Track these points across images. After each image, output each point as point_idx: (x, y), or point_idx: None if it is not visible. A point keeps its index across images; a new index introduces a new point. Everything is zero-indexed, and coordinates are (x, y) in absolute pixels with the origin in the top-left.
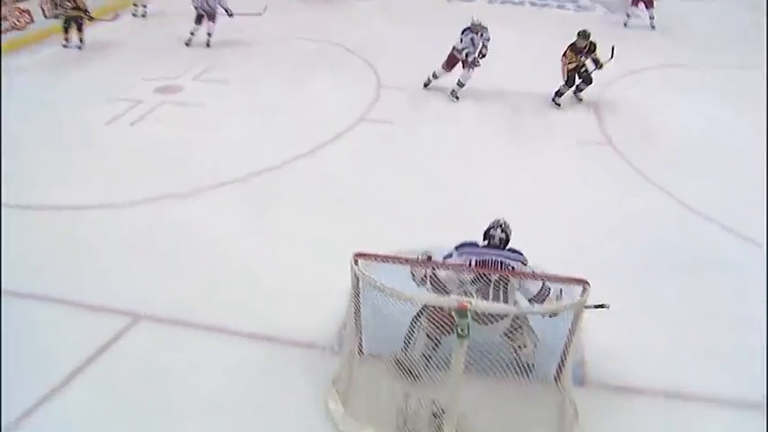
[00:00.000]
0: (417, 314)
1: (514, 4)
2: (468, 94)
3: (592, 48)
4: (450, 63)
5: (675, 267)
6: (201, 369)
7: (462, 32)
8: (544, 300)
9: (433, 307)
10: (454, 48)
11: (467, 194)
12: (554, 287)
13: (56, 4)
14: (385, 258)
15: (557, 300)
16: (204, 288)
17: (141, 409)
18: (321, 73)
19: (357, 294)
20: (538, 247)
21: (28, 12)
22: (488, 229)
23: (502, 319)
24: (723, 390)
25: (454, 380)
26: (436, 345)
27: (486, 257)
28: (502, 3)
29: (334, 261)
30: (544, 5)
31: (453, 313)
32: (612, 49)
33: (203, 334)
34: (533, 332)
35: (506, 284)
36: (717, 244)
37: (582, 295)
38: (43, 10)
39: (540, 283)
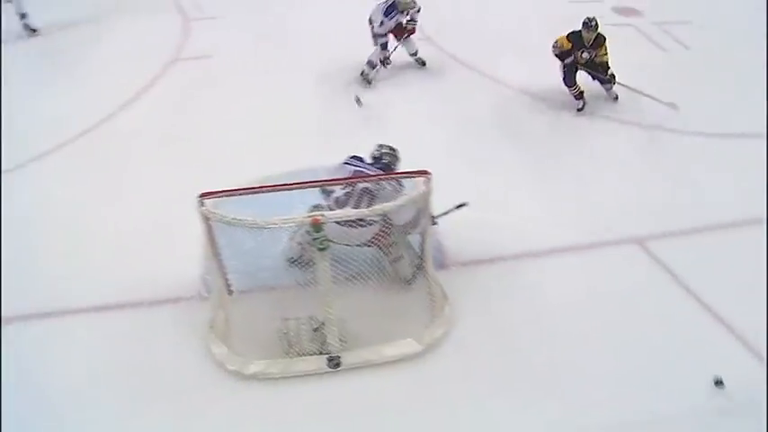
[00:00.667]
0: None
1: None
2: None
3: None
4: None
5: (499, 138)
6: (77, 353)
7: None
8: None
9: None
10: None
11: (309, 118)
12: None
13: None
14: (231, 192)
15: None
16: (58, 269)
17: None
18: (118, 18)
19: (211, 235)
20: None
21: None
22: (377, 153)
23: (369, 225)
24: (562, 240)
25: (324, 290)
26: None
27: (357, 171)
28: None
29: (182, 207)
30: None
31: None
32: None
33: (70, 319)
34: (412, 248)
35: (371, 193)
36: (535, 114)
37: (425, 185)
38: None
39: (414, 212)
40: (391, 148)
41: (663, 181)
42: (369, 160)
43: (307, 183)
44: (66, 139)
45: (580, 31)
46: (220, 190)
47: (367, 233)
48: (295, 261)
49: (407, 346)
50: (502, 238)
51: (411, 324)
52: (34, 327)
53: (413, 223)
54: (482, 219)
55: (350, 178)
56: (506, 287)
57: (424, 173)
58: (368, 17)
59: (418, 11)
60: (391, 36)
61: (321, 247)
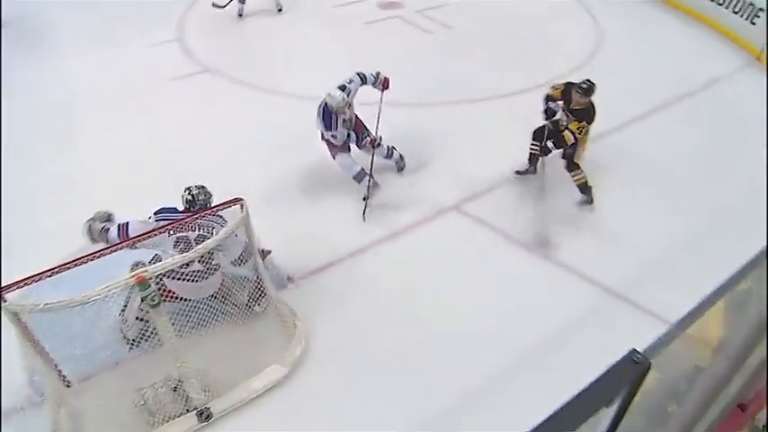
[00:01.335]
0: None
1: None
2: None
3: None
4: None
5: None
6: None
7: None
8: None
9: None
10: None
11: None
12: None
13: None
14: (34, 278)
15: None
16: None
17: None
18: None
19: (25, 331)
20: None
21: None
22: (189, 198)
23: (208, 277)
24: (388, 226)
25: (172, 347)
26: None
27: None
28: None
29: None
30: None
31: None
32: None
33: None
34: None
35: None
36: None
37: (242, 211)
38: None
39: (242, 246)
40: (200, 187)
41: (464, 151)
42: (181, 207)
43: (112, 246)
44: None
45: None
46: (20, 279)
47: (213, 283)
48: (136, 340)
49: (273, 372)
50: (329, 243)
51: (270, 351)
52: None
53: (246, 254)
54: (303, 232)
55: (161, 227)
56: (345, 286)
57: (237, 200)
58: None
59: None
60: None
61: (153, 303)
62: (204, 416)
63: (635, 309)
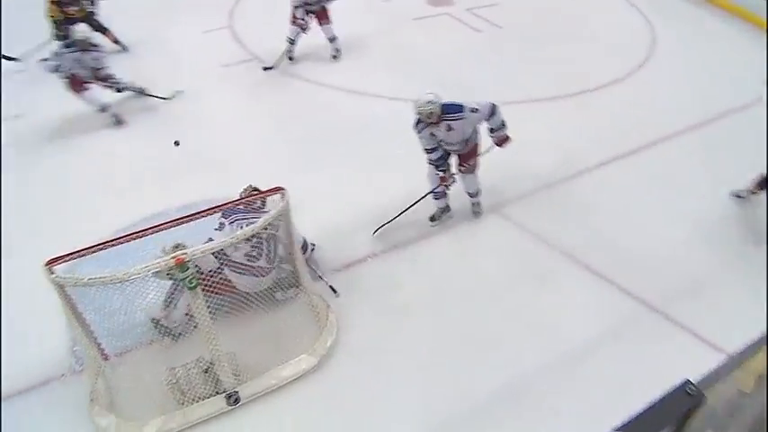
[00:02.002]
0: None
1: None
2: None
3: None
4: None
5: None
6: None
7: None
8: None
9: None
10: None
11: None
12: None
13: None
14: (81, 253)
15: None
16: None
17: None
18: None
19: (70, 303)
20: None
21: None
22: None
23: (269, 273)
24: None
25: (206, 329)
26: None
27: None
28: None
29: (22, 283)
30: None
31: (175, 270)
32: None
33: None
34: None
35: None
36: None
37: (282, 200)
38: None
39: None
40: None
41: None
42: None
43: (159, 225)
44: None
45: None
46: (68, 253)
47: (269, 279)
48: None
49: (302, 362)
50: (367, 237)
51: (301, 340)
52: None
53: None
54: (343, 224)
55: (204, 211)
56: (381, 282)
57: (278, 189)
58: None
59: None
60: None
61: (191, 285)
62: (233, 399)
63: (672, 324)
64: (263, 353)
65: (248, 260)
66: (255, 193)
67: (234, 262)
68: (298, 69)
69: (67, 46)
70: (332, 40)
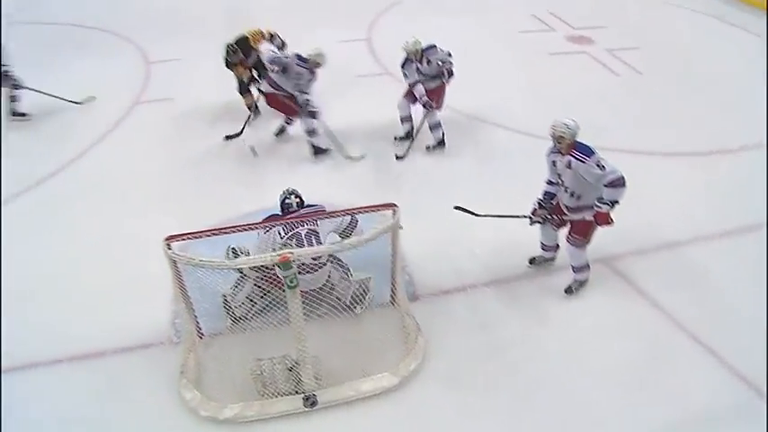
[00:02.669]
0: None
1: None
2: None
3: None
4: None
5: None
6: (46, 405)
7: (402, 66)
8: (353, 231)
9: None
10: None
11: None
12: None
13: None
14: (197, 235)
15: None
16: (24, 318)
17: None
18: (75, 58)
19: (179, 278)
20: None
21: None
22: (282, 201)
23: (321, 267)
24: (527, 271)
25: (297, 328)
26: (264, 294)
27: (290, 221)
28: None
29: (149, 251)
30: None
31: (278, 267)
32: None
33: (37, 370)
34: (341, 268)
35: (317, 234)
36: (495, 139)
37: (393, 218)
38: None
39: (347, 219)
40: (292, 191)
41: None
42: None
43: (273, 222)
44: (29, 185)
45: None
46: (186, 233)
47: (319, 277)
48: (240, 319)
49: (383, 380)
50: (470, 267)
51: (386, 358)
52: None
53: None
54: (448, 250)
55: (311, 215)
56: (477, 315)
57: (390, 205)
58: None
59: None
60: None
61: (291, 285)
62: (310, 402)
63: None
64: (347, 362)
65: None
66: (367, 206)
67: None
68: None
69: None
70: (435, 127)
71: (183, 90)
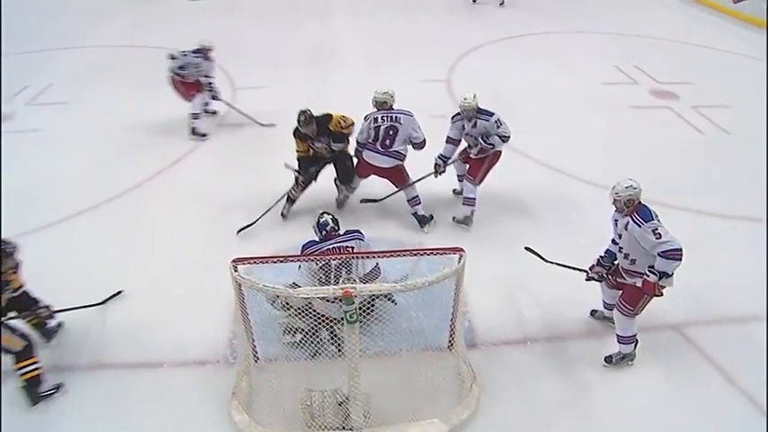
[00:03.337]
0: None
1: None
2: None
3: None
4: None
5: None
6: (98, 410)
7: (452, 118)
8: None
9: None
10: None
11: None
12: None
13: None
14: (263, 260)
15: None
16: (86, 325)
17: None
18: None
19: (242, 301)
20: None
21: None
22: (318, 224)
23: None
24: (596, 324)
25: (351, 363)
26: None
27: (325, 248)
28: None
29: (211, 270)
30: None
31: (342, 300)
32: None
33: (93, 375)
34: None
35: (348, 267)
36: (566, 189)
37: (459, 262)
38: None
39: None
40: (329, 213)
41: (697, 266)
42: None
43: (340, 254)
44: (99, 200)
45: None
46: (253, 257)
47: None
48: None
49: (433, 426)
50: (534, 319)
51: (437, 403)
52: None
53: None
54: (514, 300)
55: (371, 252)
56: (534, 370)
57: (457, 249)
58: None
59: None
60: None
61: (351, 320)
62: None
63: None
64: (397, 403)
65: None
66: (434, 249)
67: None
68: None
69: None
70: (467, 201)
71: (266, 115)
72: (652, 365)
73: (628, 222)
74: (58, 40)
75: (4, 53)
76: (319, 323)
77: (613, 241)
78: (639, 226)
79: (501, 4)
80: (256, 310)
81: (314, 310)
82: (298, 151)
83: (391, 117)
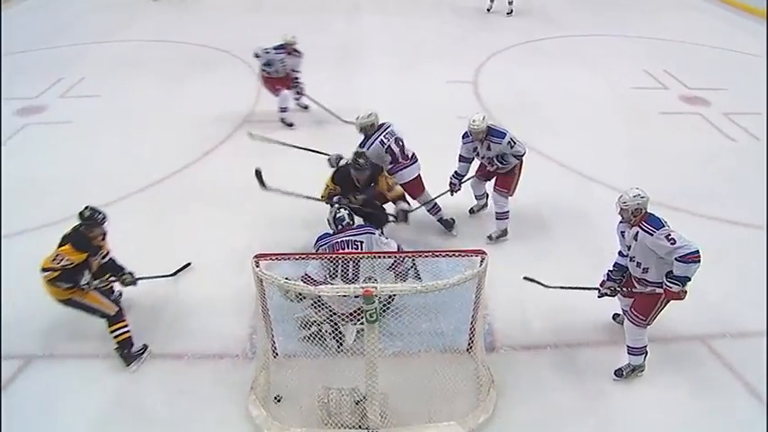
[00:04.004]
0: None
1: None
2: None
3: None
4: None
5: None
6: (116, 398)
7: (463, 136)
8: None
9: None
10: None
11: None
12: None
13: None
14: (285, 257)
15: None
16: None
17: None
18: (199, 77)
19: (263, 296)
20: None
21: None
22: (334, 218)
23: None
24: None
25: (370, 362)
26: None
27: (336, 243)
28: None
29: (233, 266)
30: None
31: (362, 299)
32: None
33: (110, 363)
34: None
35: (356, 263)
36: (591, 194)
37: (481, 265)
38: None
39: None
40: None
41: (726, 277)
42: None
43: (362, 253)
44: (127, 192)
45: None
46: (275, 253)
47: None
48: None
49: (449, 429)
50: (554, 324)
51: (454, 406)
52: (61, 368)
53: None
54: (534, 304)
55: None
56: (555, 375)
57: (479, 252)
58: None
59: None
60: None
61: (371, 319)
62: None
63: None
64: (415, 405)
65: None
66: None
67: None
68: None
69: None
70: (500, 217)
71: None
72: (674, 376)
73: (637, 233)
74: (91, 35)
75: (42, 47)
76: (329, 316)
77: (620, 254)
78: (651, 234)
79: (509, 14)
80: (276, 305)
81: (324, 303)
82: (328, 189)
83: (390, 132)
